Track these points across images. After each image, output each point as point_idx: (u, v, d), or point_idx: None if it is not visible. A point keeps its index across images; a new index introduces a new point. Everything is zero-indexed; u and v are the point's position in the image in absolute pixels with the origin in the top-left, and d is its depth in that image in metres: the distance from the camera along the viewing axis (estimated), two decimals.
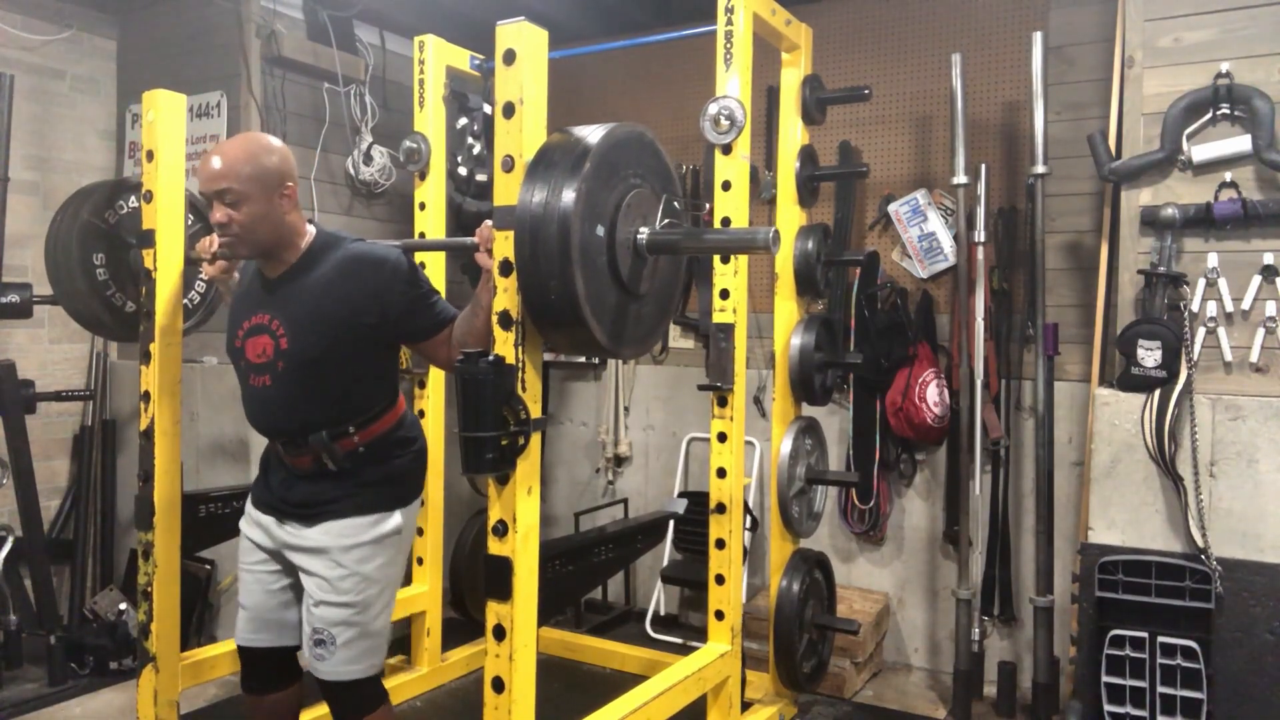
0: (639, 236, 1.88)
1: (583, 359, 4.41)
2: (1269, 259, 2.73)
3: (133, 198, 2.63)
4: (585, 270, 1.73)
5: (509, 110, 1.86)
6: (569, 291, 1.71)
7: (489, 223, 1.90)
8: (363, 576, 2.06)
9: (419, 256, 3.00)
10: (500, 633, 1.92)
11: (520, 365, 1.87)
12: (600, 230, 1.78)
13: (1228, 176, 2.79)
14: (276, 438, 2.13)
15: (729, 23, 2.70)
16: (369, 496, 2.09)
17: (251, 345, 2.08)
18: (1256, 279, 2.74)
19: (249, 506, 2.23)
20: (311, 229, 2.13)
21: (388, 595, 2.13)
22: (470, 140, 3.75)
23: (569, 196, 1.69)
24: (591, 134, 1.78)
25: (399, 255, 2.07)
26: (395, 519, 2.11)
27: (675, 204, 1.96)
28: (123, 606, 3.54)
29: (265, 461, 2.23)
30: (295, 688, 2.24)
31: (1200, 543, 2.73)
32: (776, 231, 1.84)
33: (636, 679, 2.85)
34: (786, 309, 3.16)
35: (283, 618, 2.18)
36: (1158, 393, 2.81)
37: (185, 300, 2.72)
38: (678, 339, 4.30)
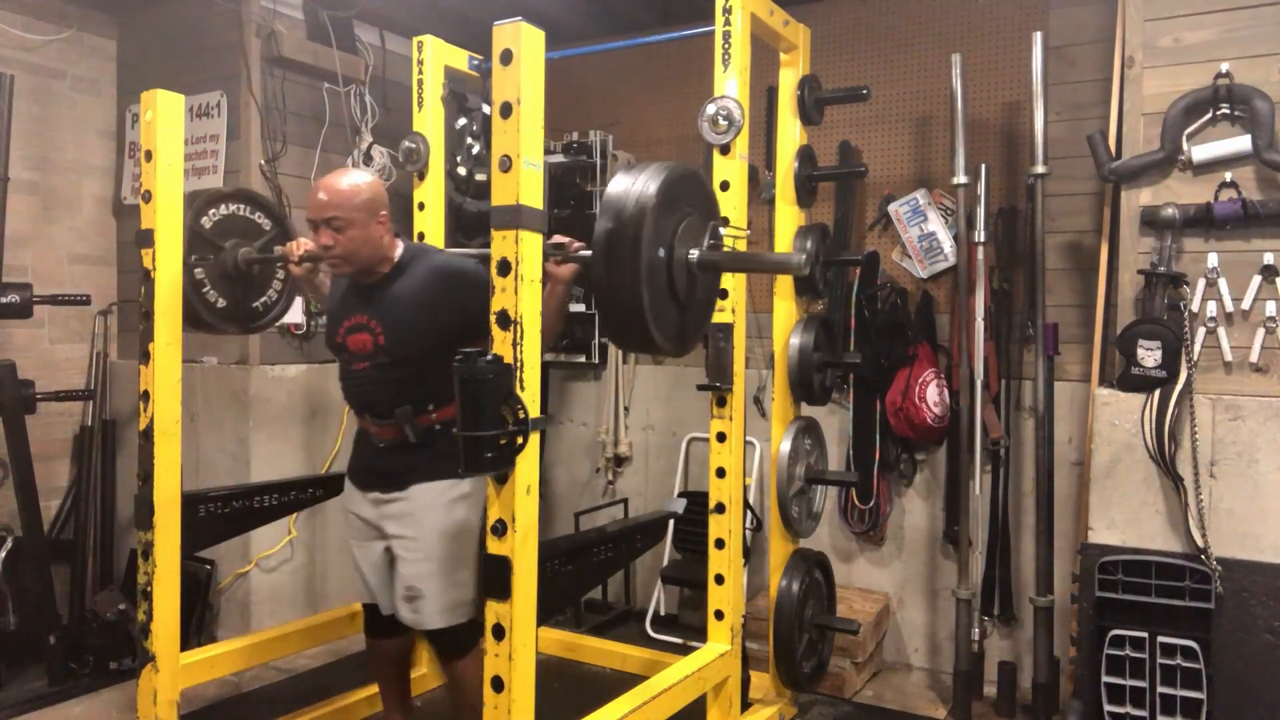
0: (691, 256, 2.11)
1: (582, 359, 4.42)
2: (1269, 259, 2.73)
3: (224, 205, 2.81)
4: (650, 289, 1.98)
5: (506, 110, 1.86)
6: (637, 307, 1.96)
7: (559, 236, 2.23)
8: (441, 533, 2.42)
9: None
10: (499, 632, 1.92)
11: (518, 364, 1.87)
12: (661, 253, 2.03)
13: (1228, 176, 2.79)
14: (368, 412, 2.50)
15: (727, 23, 2.70)
16: (444, 464, 2.35)
17: (353, 340, 2.48)
18: (1256, 279, 2.74)
19: (347, 485, 2.65)
20: (400, 243, 2.53)
21: (469, 550, 2.45)
22: (469, 140, 3.75)
23: (639, 227, 1.94)
24: (656, 172, 2.01)
25: (476, 265, 2.42)
26: (464, 485, 2.45)
27: (720, 230, 2.21)
28: (123, 606, 3.53)
29: (357, 441, 2.66)
30: (409, 634, 2.69)
31: (1200, 543, 2.73)
32: (810, 256, 1.96)
33: (636, 679, 2.85)
34: (785, 309, 3.16)
35: (382, 579, 2.58)
36: (1158, 393, 2.81)
37: (264, 298, 2.93)
38: None
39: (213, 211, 2.76)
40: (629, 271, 1.94)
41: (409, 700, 2.86)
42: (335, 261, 2.43)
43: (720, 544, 2.78)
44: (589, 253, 2.16)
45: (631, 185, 1.98)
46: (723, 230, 2.24)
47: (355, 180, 2.43)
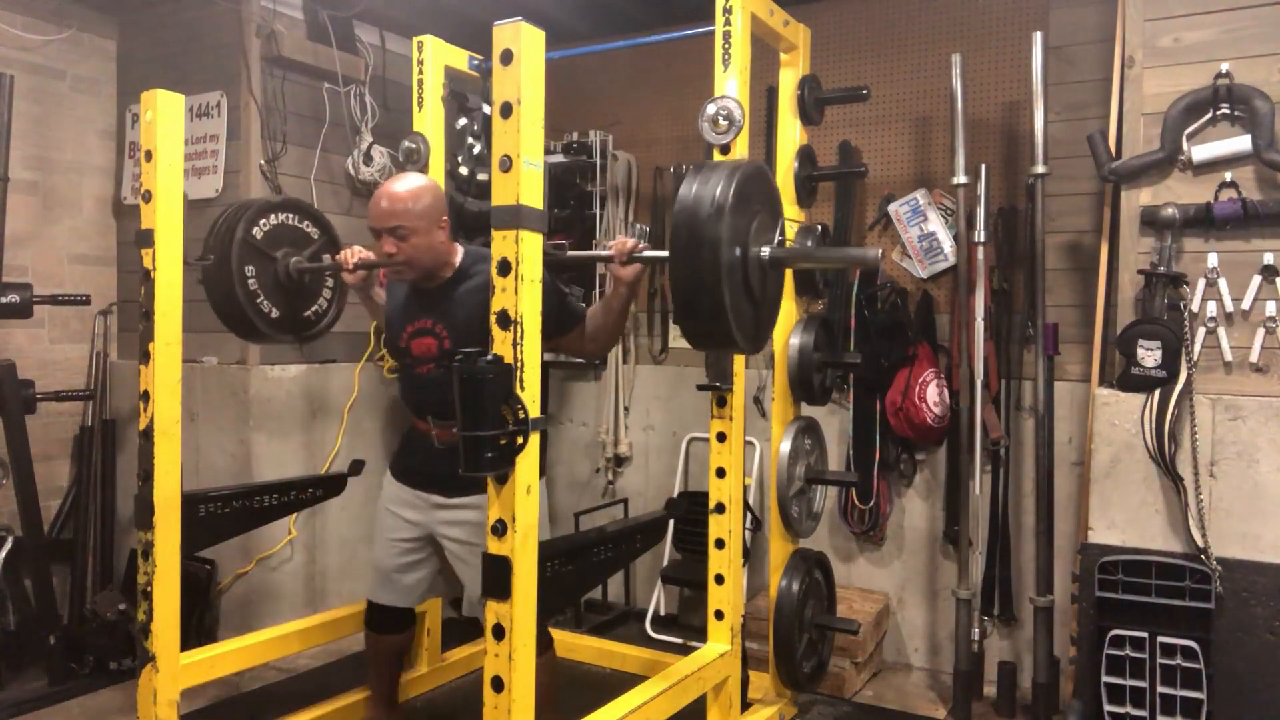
0: (763, 254, 2.14)
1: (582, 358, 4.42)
2: (1269, 259, 2.73)
3: (274, 215, 2.83)
4: (730, 287, 2.00)
5: (506, 110, 1.86)
6: (719, 306, 1.99)
7: (623, 237, 2.28)
8: None
9: None
10: (499, 632, 1.93)
11: (518, 364, 1.87)
12: (738, 251, 2.05)
13: (1228, 176, 2.79)
14: (430, 414, 2.52)
15: (727, 23, 2.70)
16: None
17: (417, 344, 2.52)
18: (1256, 279, 2.74)
19: (391, 484, 2.67)
20: (460, 248, 2.55)
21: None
22: (470, 140, 3.75)
23: (718, 224, 1.96)
24: (730, 171, 2.03)
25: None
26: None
27: (786, 226, 2.25)
28: (123, 606, 3.53)
29: (408, 441, 2.69)
30: (408, 632, 2.83)
31: (1200, 543, 2.73)
32: (883, 251, 1.98)
33: (636, 679, 2.85)
34: (785, 309, 3.14)
35: (405, 580, 2.66)
36: (1158, 393, 2.81)
37: (315, 306, 2.95)
38: (677, 339, 4.30)
39: (263, 221, 2.78)
40: (710, 272, 1.96)
41: (396, 696, 2.91)
42: (399, 269, 2.45)
43: (720, 544, 2.78)
44: (661, 254, 2.19)
45: (705, 185, 2.01)
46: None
47: (415, 185, 2.43)
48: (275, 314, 2.81)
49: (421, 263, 2.45)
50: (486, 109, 3.55)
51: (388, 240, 2.41)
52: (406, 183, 2.44)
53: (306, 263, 2.84)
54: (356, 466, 3.19)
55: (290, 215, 2.87)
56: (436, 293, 2.52)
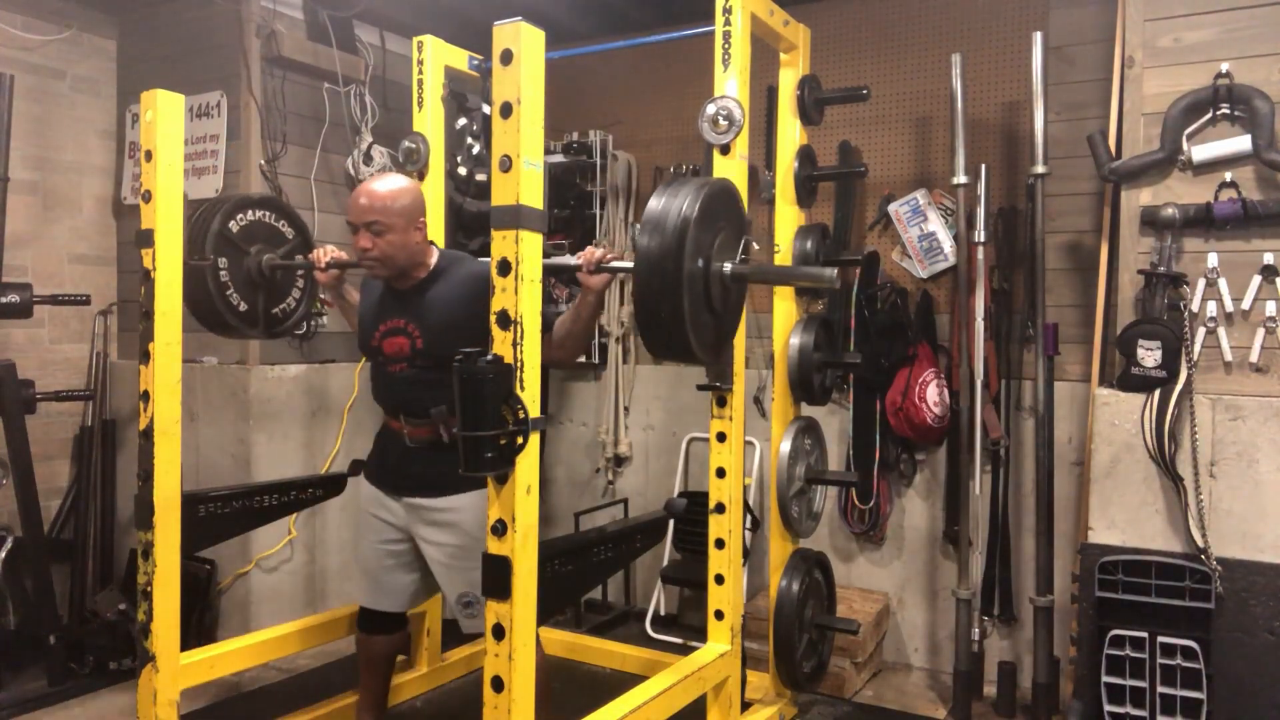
0: (725, 269, 2.22)
1: (582, 359, 4.42)
2: (1269, 259, 2.73)
3: (251, 211, 2.85)
4: (690, 297, 2.08)
5: (506, 110, 1.86)
6: (678, 314, 2.06)
7: (592, 247, 2.32)
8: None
9: None
10: (499, 632, 1.92)
11: (518, 364, 1.87)
12: (700, 264, 2.13)
13: (1228, 176, 2.79)
14: (402, 412, 2.54)
15: (727, 23, 2.70)
16: None
17: (389, 344, 2.54)
18: (1256, 279, 2.74)
19: (368, 486, 2.68)
20: (435, 249, 2.59)
21: None
22: (470, 140, 3.75)
23: (682, 240, 2.04)
24: (697, 188, 2.10)
25: None
26: None
27: (754, 245, 2.33)
28: (123, 606, 3.53)
29: (381, 442, 2.68)
30: (400, 634, 2.82)
31: (1200, 543, 2.73)
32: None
33: (636, 679, 2.85)
34: (785, 309, 3.15)
35: (392, 581, 2.67)
36: (1158, 393, 2.81)
37: (284, 304, 2.97)
38: None
39: (240, 216, 2.80)
40: (672, 282, 2.03)
41: (385, 700, 2.92)
42: (371, 264, 2.47)
43: (720, 544, 2.78)
44: (626, 265, 2.25)
45: (673, 200, 2.07)
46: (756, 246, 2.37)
47: (396, 185, 2.47)
48: (244, 308, 2.81)
49: (395, 261, 2.46)
50: (486, 109, 3.55)
51: (364, 235, 2.43)
52: (387, 182, 2.47)
53: (279, 260, 2.85)
54: (356, 466, 3.17)
55: (267, 213, 2.89)
56: (410, 293, 2.54)
